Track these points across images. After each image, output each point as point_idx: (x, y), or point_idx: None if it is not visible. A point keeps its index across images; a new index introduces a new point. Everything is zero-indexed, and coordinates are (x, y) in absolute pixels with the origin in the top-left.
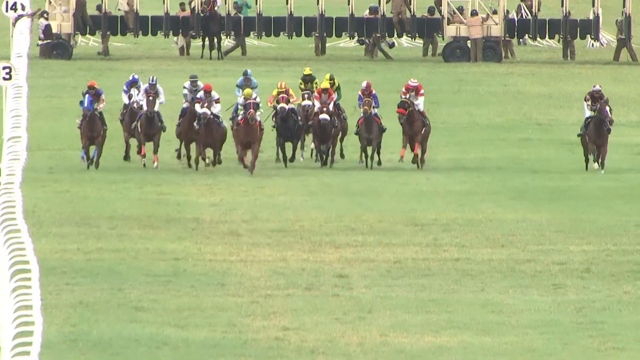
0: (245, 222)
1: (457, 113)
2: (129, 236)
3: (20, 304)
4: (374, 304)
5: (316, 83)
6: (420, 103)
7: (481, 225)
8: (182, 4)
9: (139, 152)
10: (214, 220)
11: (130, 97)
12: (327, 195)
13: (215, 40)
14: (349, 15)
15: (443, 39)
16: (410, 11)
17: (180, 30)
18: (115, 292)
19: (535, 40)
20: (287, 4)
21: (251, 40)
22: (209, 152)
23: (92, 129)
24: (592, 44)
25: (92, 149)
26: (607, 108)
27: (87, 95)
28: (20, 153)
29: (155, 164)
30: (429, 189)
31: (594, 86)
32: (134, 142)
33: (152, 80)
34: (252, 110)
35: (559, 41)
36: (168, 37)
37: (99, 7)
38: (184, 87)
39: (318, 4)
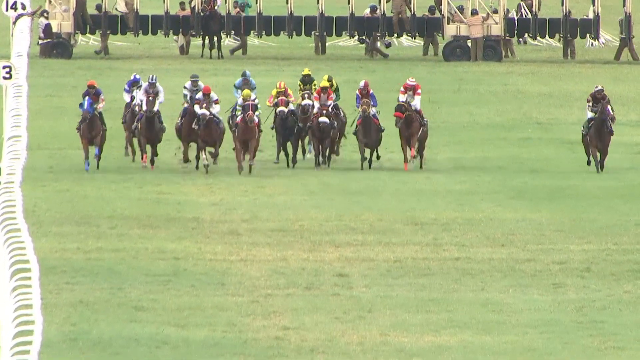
0: (245, 222)
1: (457, 112)
2: (129, 235)
3: (20, 303)
4: (374, 303)
5: (315, 84)
6: (417, 102)
7: (481, 224)
8: (182, 3)
9: (141, 158)
10: (214, 220)
11: (132, 100)
12: (326, 194)
13: (215, 39)
14: (349, 14)
15: (443, 38)
16: (411, 10)
17: (181, 30)
18: (115, 292)
19: (536, 39)
20: (287, 3)
21: (251, 40)
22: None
23: (92, 130)
24: (592, 44)
25: (92, 150)
26: (609, 107)
27: (86, 98)
28: (20, 152)
29: (151, 167)
30: (428, 188)
31: (596, 87)
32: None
33: (152, 79)
34: (250, 112)
35: (559, 40)
36: (168, 36)
37: (98, 7)
38: (185, 88)
39: (318, 3)
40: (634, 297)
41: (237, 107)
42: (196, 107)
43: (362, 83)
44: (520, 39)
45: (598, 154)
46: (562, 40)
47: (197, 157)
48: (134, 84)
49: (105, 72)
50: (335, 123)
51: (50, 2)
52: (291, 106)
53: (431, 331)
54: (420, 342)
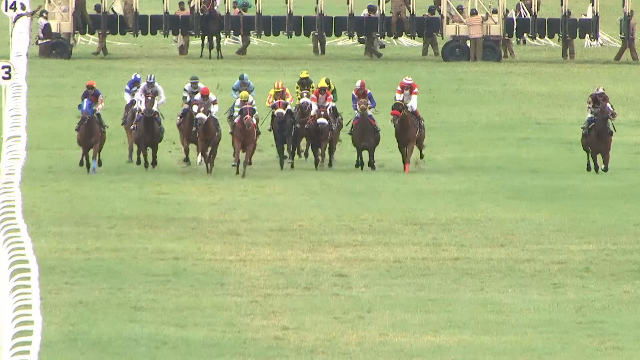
0: (245, 222)
1: (456, 112)
2: (128, 236)
3: (19, 303)
4: (374, 304)
5: (312, 87)
6: (414, 103)
7: (480, 224)
8: (181, 3)
9: (140, 159)
10: (214, 220)
11: (133, 103)
12: (326, 194)
13: (215, 39)
14: (348, 14)
15: (442, 38)
16: (410, 10)
17: (180, 30)
18: (115, 292)
19: (535, 39)
20: (286, 3)
21: (251, 40)
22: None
23: (90, 135)
24: (590, 44)
25: (91, 153)
26: (608, 105)
27: (85, 99)
28: (19, 152)
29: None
30: (428, 189)
31: (597, 89)
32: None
33: (150, 79)
34: (248, 115)
35: (558, 40)
36: (167, 36)
37: (97, 7)
38: (184, 90)
39: (317, 3)
40: (633, 297)
41: (235, 108)
42: (194, 108)
43: (358, 83)
44: (520, 39)
45: (599, 157)
46: (562, 41)
47: (202, 156)
48: (135, 83)
49: (104, 72)
50: (333, 125)
51: (49, 2)
52: (288, 107)
53: (430, 331)
54: (420, 342)
